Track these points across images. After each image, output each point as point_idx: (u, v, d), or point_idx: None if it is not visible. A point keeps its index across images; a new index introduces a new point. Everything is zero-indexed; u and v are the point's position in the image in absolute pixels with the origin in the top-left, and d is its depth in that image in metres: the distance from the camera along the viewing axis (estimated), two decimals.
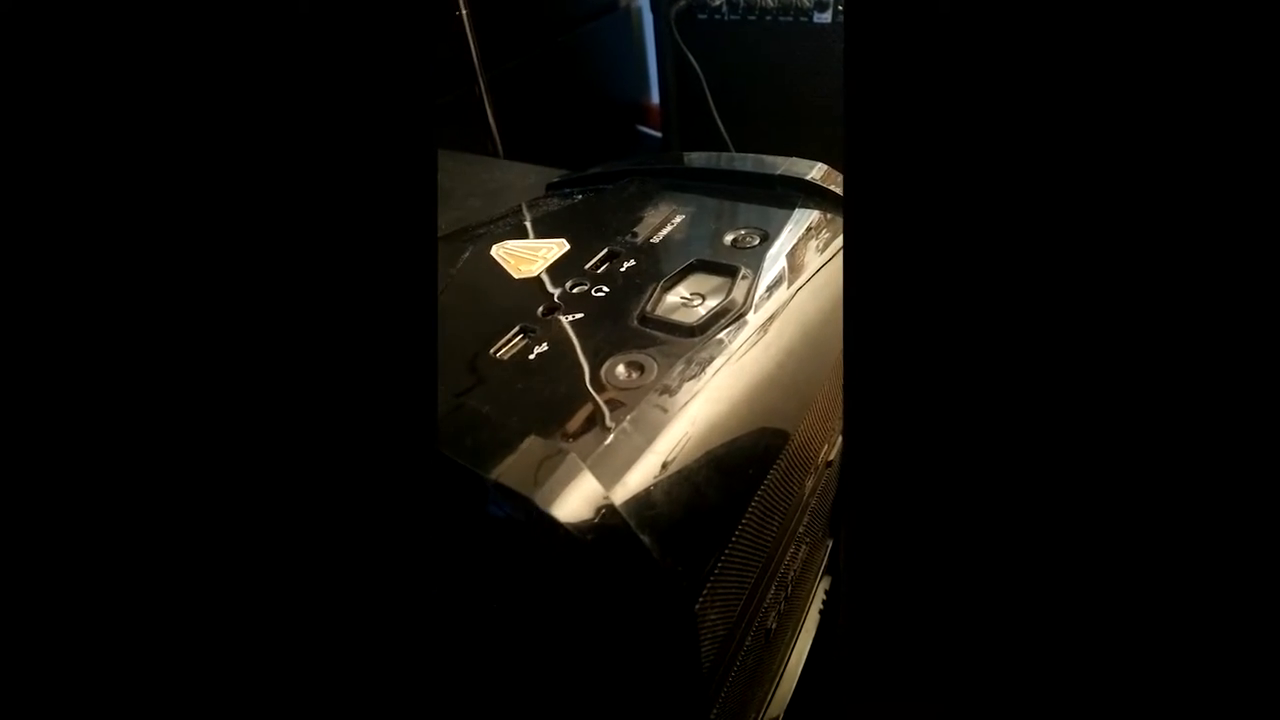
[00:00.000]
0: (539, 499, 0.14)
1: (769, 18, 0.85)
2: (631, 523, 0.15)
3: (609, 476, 0.16)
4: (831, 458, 0.31)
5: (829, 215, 0.25)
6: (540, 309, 0.21)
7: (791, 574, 0.31)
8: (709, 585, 0.18)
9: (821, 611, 0.42)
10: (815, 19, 0.83)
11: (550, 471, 0.15)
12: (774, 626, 0.29)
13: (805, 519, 0.30)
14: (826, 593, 0.43)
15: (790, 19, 0.84)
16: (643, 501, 0.16)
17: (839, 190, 0.25)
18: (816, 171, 0.26)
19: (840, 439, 0.32)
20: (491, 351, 0.19)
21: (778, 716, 0.36)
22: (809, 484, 0.28)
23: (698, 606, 0.17)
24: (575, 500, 0.15)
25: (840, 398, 0.29)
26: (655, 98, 1.05)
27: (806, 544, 0.32)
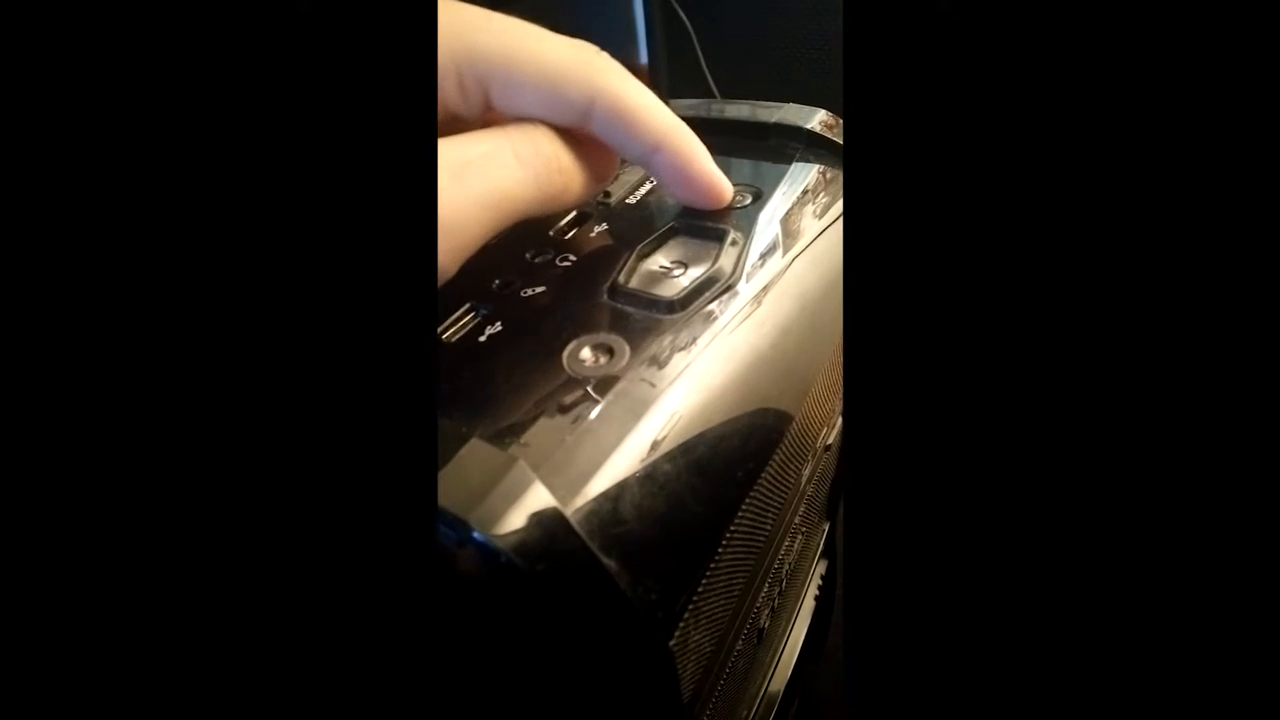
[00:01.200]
0: (475, 520, 0.12)
1: None
2: (593, 544, 0.12)
3: (567, 487, 0.13)
4: (830, 441, 0.29)
5: (830, 171, 0.22)
6: (495, 282, 0.18)
7: (786, 567, 0.28)
8: (690, 609, 0.15)
9: (817, 598, 0.40)
10: None
11: (492, 484, 0.12)
12: (767, 624, 0.27)
13: (801, 508, 0.27)
14: (822, 577, 0.41)
15: None
16: (608, 517, 0.13)
17: (841, 139, 0.22)
18: (816, 120, 0.23)
19: (840, 420, 0.30)
20: (437, 333, 0.16)
21: (773, 703, 0.34)
22: (806, 472, 0.25)
23: (676, 636, 0.14)
24: (521, 519, 0.12)
25: (841, 376, 0.26)
26: (644, 57, 1.01)
27: (802, 533, 0.30)
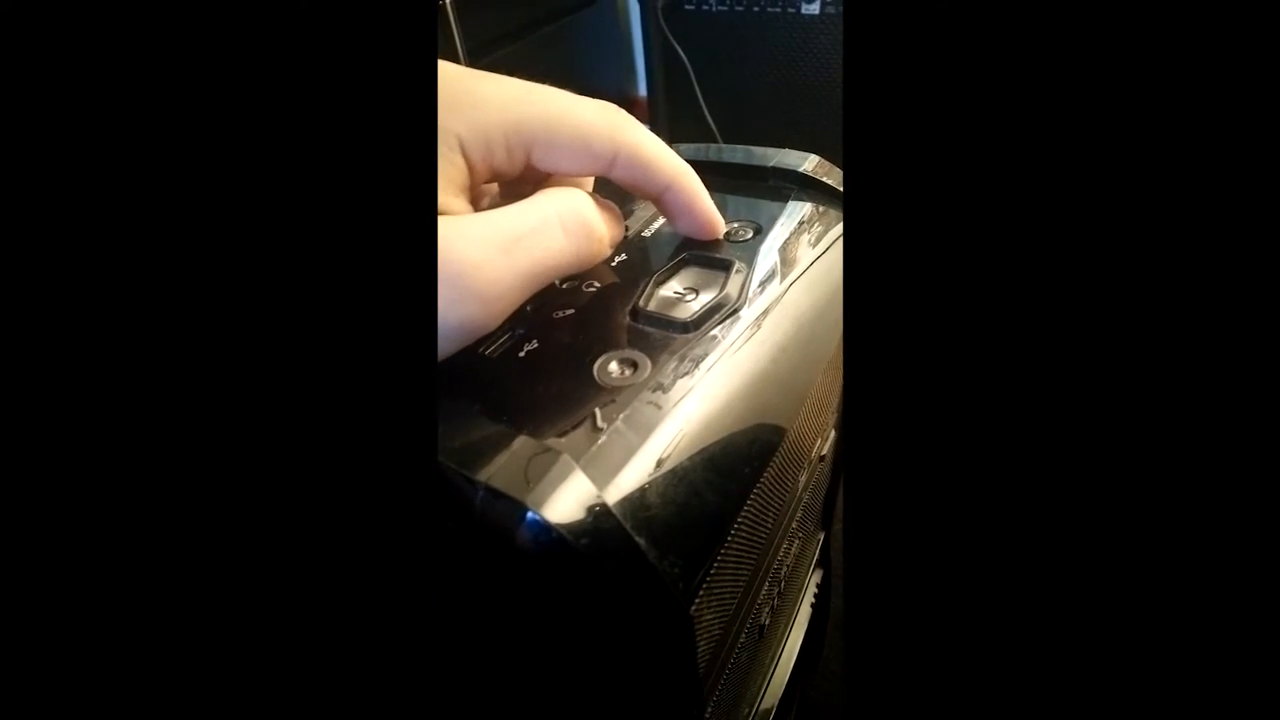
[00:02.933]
0: (530, 501, 0.14)
1: (756, 8, 0.84)
2: (627, 525, 0.15)
3: (602, 477, 0.15)
4: (824, 452, 0.31)
5: (822, 208, 0.24)
6: (529, 305, 0.20)
7: (784, 569, 0.31)
8: (705, 586, 0.17)
9: (813, 605, 0.42)
10: (803, 10, 0.83)
11: (542, 473, 0.15)
12: (767, 622, 0.29)
13: (798, 514, 0.30)
14: (818, 586, 0.43)
15: (778, 9, 0.83)
16: (637, 503, 0.15)
17: (832, 182, 0.25)
18: (809, 164, 0.25)
19: (833, 433, 0.32)
20: (479, 349, 0.19)
21: (771, 708, 0.36)
22: (802, 479, 0.28)
23: (694, 608, 0.17)
24: (568, 502, 0.14)
25: (834, 392, 0.28)
26: (643, 90, 1.04)
27: (799, 539, 0.32)
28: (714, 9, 0.86)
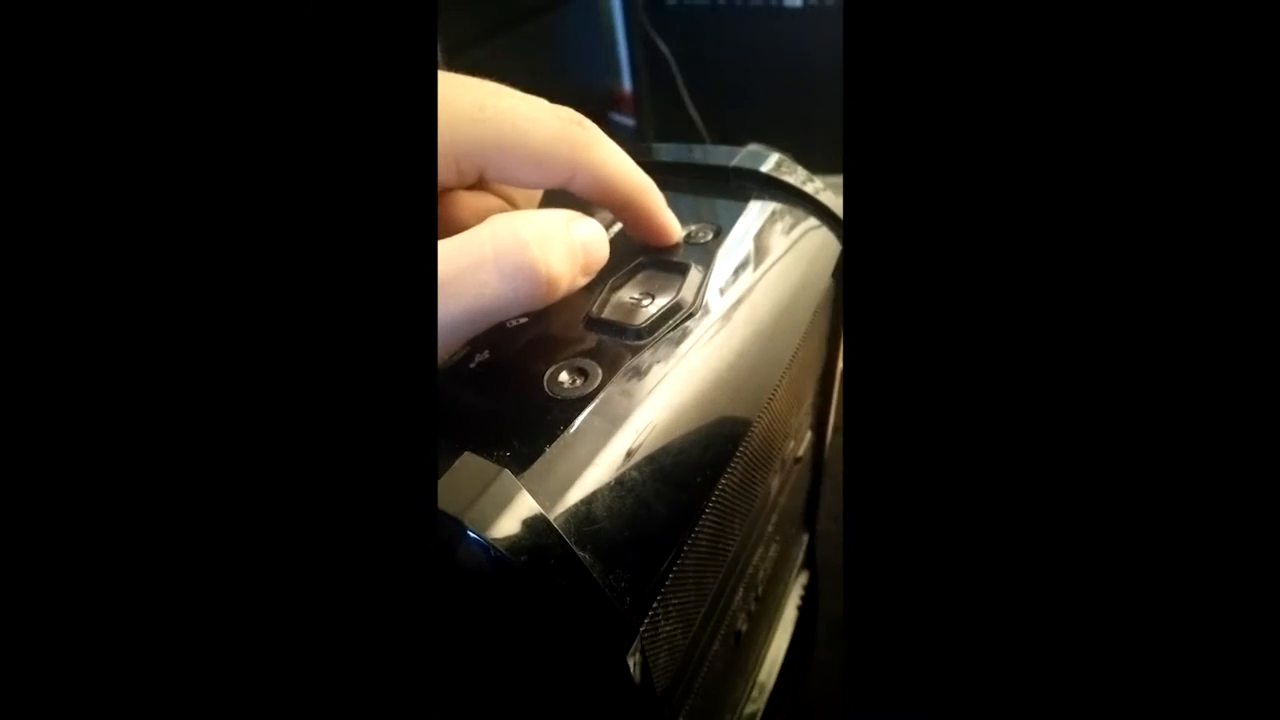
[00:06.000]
0: (469, 519, 0.14)
1: (739, 2, 0.84)
2: (570, 540, 0.14)
3: (547, 492, 0.15)
4: (800, 454, 0.31)
5: (784, 207, 0.24)
6: None
7: (762, 574, 0.30)
8: (660, 598, 0.17)
9: (799, 608, 0.41)
10: (786, 3, 0.82)
11: (482, 490, 0.14)
12: (744, 629, 0.29)
13: (774, 518, 0.29)
14: (804, 588, 0.42)
15: (761, 3, 0.83)
16: (582, 517, 0.15)
17: (794, 181, 0.24)
18: (770, 163, 0.25)
19: (810, 434, 0.32)
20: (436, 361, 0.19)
21: (757, 711, 0.35)
22: (775, 483, 0.27)
23: (647, 620, 0.16)
24: (508, 519, 0.14)
25: (805, 393, 0.28)
26: (628, 85, 1.04)
27: (777, 543, 0.32)
28: (696, 3, 0.86)
